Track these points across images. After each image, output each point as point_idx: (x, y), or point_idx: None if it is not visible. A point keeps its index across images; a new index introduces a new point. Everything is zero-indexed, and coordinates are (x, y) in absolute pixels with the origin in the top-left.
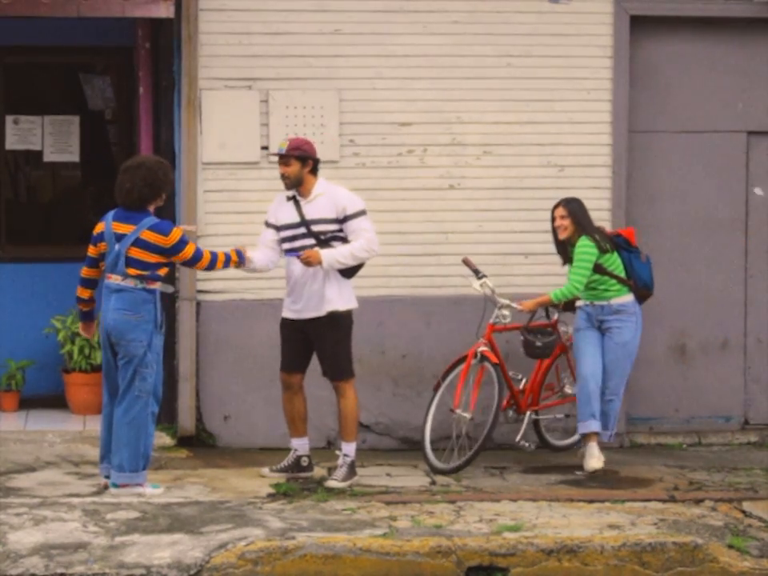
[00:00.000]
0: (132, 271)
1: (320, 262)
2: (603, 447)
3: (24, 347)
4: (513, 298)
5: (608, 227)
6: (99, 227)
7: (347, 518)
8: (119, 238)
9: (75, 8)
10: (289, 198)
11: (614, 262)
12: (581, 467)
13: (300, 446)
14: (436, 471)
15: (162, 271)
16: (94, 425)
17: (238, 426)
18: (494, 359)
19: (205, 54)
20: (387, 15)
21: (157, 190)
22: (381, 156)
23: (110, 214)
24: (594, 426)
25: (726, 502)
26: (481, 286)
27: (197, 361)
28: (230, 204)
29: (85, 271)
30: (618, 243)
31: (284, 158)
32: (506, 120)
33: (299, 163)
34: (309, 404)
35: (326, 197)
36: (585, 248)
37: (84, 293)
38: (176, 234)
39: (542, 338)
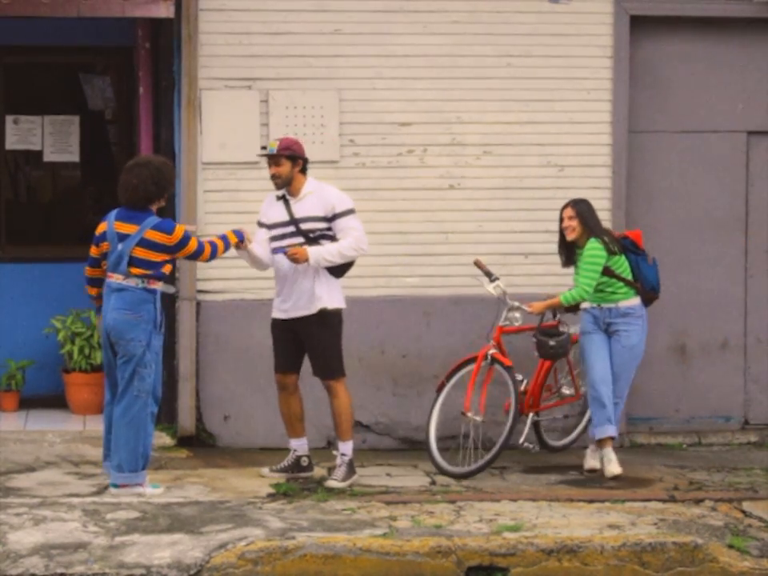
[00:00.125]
0: (136, 270)
1: (307, 260)
2: None
3: (24, 347)
4: (513, 299)
5: (609, 227)
6: (101, 227)
7: (347, 517)
8: (122, 237)
9: (75, 8)
10: (279, 198)
11: (622, 265)
12: (580, 467)
13: (299, 446)
14: (447, 475)
15: (167, 269)
16: (94, 425)
17: (237, 426)
18: (507, 362)
19: (205, 53)
20: (387, 15)
21: (162, 190)
22: (381, 156)
23: (112, 213)
24: (611, 430)
25: (726, 501)
26: (494, 288)
27: (197, 361)
28: (230, 204)
29: (89, 271)
30: (626, 245)
31: (274, 159)
32: (506, 120)
33: (290, 163)
34: (308, 404)
35: (316, 195)
36: (594, 250)
37: (92, 291)
38: (179, 231)
39: (555, 338)
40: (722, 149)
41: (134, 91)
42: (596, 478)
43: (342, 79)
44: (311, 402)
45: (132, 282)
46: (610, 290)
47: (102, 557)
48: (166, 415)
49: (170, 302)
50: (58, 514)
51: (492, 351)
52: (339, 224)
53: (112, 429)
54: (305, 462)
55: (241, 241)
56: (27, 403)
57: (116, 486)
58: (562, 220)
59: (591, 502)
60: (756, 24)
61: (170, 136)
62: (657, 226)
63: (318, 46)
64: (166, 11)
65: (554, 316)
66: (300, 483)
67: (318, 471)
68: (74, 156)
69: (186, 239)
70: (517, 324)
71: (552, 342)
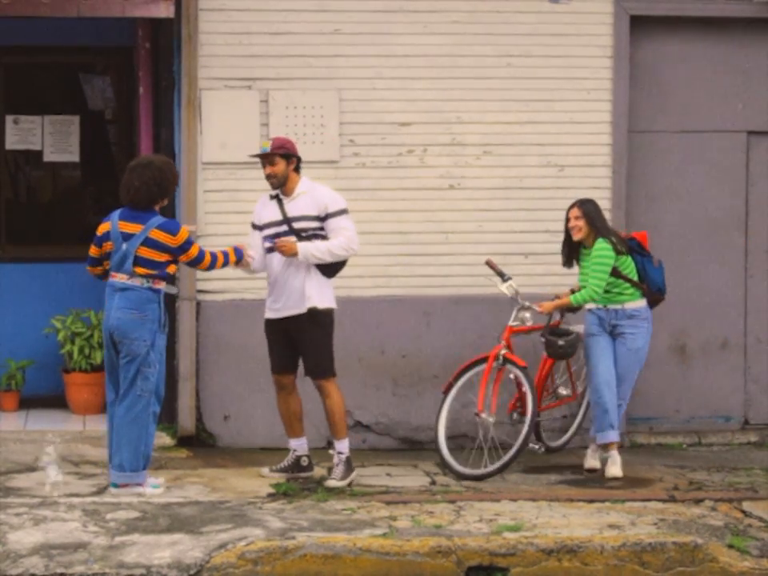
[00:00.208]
0: (141, 270)
1: (295, 253)
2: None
3: (24, 347)
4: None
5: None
6: (104, 227)
7: (347, 517)
8: (126, 237)
9: (75, 8)
10: (272, 198)
11: (628, 266)
12: (580, 467)
13: (298, 446)
14: (462, 477)
15: (171, 269)
16: (94, 425)
17: (237, 426)
18: (521, 362)
19: (205, 53)
20: (387, 15)
21: (164, 190)
22: (381, 156)
23: (115, 213)
24: (613, 436)
25: (726, 501)
26: (507, 288)
27: (197, 361)
28: (230, 204)
29: (90, 269)
30: (632, 246)
31: (269, 158)
32: (506, 120)
33: (284, 161)
34: (307, 404)
35: (309, 195)
36: (603, 251)
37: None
38: (183, 233)
39: (564, 337)
40: (722, 149)
41: (134, 91)
42: (596, 477)
43: (342, 79)
44: (311, 402)
45: (137, 282)
46: (616, 290)
47: (101, 557)
48: (166, 415)
49: (170, 302)
50: (57, 513)
51: (503, 351)
52: (331, 224)
53: (114, 428)
54: (305, 461)
55: (240, 260)
56: (27, 403)
57: (116, 485)
58: (568, 220)
59: (591, 501)
60: (756, 24)
61: (169, 136)
62: (657, 225)
63: (318, 46)
64: (165, 11)
65: (562, 316)
66: (300, 483)
67: (318, 471)
68: (74, 156)
69: (188, 243)
70: (528, 324)
71: (561, 342)
